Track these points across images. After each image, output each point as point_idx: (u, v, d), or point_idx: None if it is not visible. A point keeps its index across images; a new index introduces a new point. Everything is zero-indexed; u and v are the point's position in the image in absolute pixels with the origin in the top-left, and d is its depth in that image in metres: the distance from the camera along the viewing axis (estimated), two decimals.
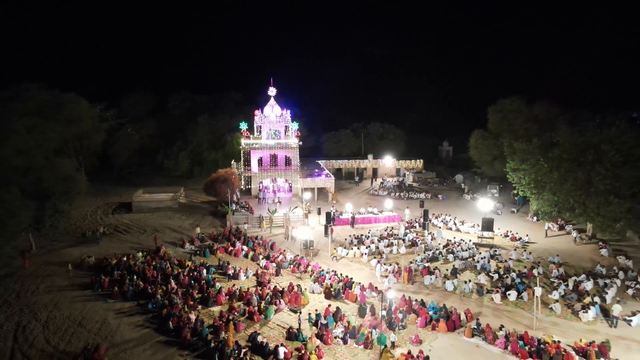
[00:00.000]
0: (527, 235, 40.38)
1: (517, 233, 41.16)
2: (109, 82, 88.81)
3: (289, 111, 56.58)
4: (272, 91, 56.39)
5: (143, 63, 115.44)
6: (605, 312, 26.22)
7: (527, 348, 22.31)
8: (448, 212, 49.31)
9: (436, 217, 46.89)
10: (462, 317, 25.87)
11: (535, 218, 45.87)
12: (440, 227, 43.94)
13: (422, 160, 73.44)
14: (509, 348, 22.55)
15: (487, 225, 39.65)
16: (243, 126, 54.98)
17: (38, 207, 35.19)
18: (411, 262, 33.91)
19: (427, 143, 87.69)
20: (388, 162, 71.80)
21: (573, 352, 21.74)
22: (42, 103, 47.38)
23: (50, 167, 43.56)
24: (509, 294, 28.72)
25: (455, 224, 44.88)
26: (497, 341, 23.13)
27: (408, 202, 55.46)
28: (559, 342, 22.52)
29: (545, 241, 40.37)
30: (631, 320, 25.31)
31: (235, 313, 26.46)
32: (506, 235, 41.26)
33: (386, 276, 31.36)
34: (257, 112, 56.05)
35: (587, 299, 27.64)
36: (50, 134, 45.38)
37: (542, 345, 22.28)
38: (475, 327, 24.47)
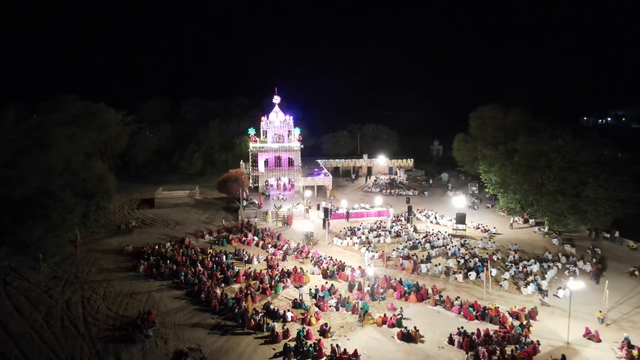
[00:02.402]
0: (494, 228, 47.51)
1: (486, 225, 48.27)
2: (129, 89, 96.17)
3: (291, 117, 63.49)
4: (276, 99, 63.31)
5: (158, 71, 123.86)
6: (540, 288, 33.33)
7: (474, 312, 29.50)
8: (431, 207, 56.35)
9: (420, 212, 53.98)
10: (430, 291, 32.98)
11: (505, 213, 52.84)
12: (424, 220, 51.05)
13: (412, 159, 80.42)
14: (462, 313, 29.74)
15: (460, 218, 46.69)
16: (251, 132, 61.95)
17: (85, 204, 42.20)
18: (394, 250, 41.06)
19: (419, 142, 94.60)
20: (381, 161, 78.80)
21: (507, 315, 28.95)
22: (77, 113, 54.36)
23: (85, 169, 50.79)
24: (469, 274, 35.85)
25: (435, 217, 51.96)
26: (453, 308, 30.32)
27: (397, 198, 62.54)
28: (497, 307, 29.70)
29: (510, 232, 47.46)
30: (558, 294, 32.45)
31: (252, 289, 33.47)
32: (477, 228, 48.35)
33: (368, 265, 38.34)
34: (263, 118, 63.02)
35: (530, 278, 34.76)
36: (85, 140, 52.46)
37: (485, 311, 29.47)
38: (438, 298, 31.64)
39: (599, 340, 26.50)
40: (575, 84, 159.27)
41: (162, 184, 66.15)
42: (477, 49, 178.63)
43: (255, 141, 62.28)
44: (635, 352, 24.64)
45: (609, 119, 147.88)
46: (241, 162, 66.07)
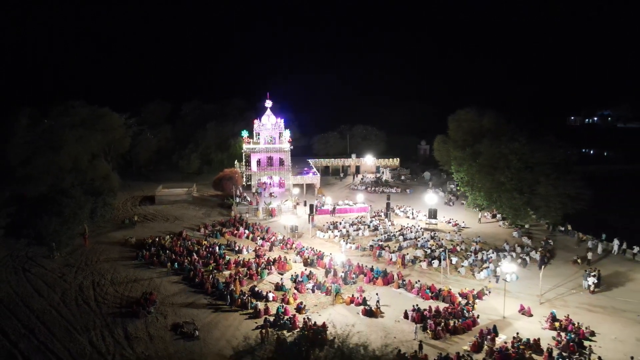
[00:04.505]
0: (463, 222, 52.29)
1: (456, 220, 53.03)
2: (132, 93, 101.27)
3: (282, 120, 68.19)
4: (268, 103, 68.02)
5: (160, 76, 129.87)
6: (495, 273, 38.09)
7: (430, 293, 34.33)
8: (410, 204, 61.04)
9: (399, 208, 58.75)
10: (395, 276, 37.76)
11: (477, 208, 57.50)
12: (401, 215, 55.85)
13: (398, 159, 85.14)
14: (420, 294, 34.59)
15: (432, 214, 51.46)
16: (244, 134, 66.77)
17: (93, 201, 46.96)
18: (370, 242, 45.83)
19: (408, 142, 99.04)
20: (369, 160, 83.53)
21: (457, 295, 33.79)
22: (84, 117, 59.14)
23: (92, 168, 55.68)
24: (433, 262, 40.63)
25: (412, 213, 56.71)
26: (413, 290, 35.16)
27: (381, 195, 67.23)
28: (450, 289, 34.53)
29: (478, 226, 52.24)
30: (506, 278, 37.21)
31: (240, 275, 38.33)
32: (449, 222, 53.12)
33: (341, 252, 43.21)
34: (256, 121, 67.77)
35: (485, 265, 39.58)
36: (92, 142, 57.32)
37: (440, 292, 34.31)
38: (401, 282, 36.48)
39: (531, 315, 31.33)
40: (565, 84, 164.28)
41: (163, 182, 70.86)
42: (472, 51, 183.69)
43: (249, 142, 67.01)
44: (557, 324, 29.48)
45: (595, 118, 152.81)
46: (236, 162, 70.69)
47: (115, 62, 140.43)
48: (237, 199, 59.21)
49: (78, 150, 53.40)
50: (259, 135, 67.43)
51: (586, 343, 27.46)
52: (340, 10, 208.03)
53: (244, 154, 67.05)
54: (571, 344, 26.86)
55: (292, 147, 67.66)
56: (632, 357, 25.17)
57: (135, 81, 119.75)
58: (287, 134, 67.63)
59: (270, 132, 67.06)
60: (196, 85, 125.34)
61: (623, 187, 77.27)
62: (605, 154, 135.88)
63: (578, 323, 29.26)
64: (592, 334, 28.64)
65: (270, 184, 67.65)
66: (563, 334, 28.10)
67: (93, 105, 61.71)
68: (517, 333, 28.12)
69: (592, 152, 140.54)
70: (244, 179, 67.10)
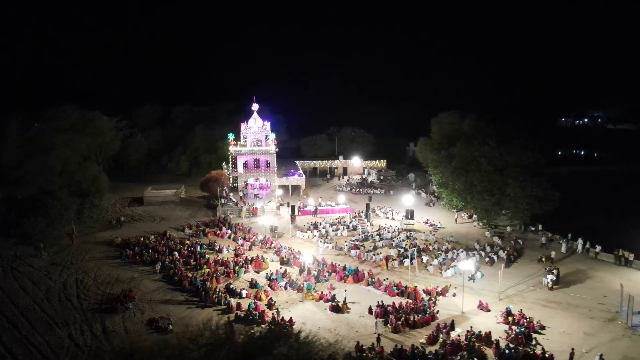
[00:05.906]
0: (439, 222, 54.03)
1: (433, 220, 54.77)
2: (124, 96, 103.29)
3: (269, 123, 69.87)
4: (255, 107, 69.70)
5: (151, 79, 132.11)
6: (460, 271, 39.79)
7: (396, 290, 36.06)
8: (391, 205, 62.77)
9: (380, 209, 60.48)
10: (366, 274, 39.47)
11: (456, 209, 59.22)
12: (381, 216, 57.59)
13: (384, 160, 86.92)
14: (387, 291, 36.32)
15: (410, 214, 53.18)
16: (231, 136, 68.53)
17: (80, 202, 48.74)
18: (345, 242, 47.58)
19: (397, 144, 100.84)
20: (356, 162, 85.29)
21: (421, 291, 35.52)
22: (74, 121, 60.96)
23: (81, 170, 57.46)
24: (404, 261, 42.34)
25: (392, 214, 58.44)
26: (381, 287, 36.90)
27: (365, 196, 68.93)
28: (415, 286, 36.26)
29: (454, 226, 53.96)
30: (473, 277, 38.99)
31: (218, 273, 40.04)
32: (426, 222, 54.85)
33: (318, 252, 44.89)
34: (242, 124, 69.53)
35: (453, 263, 41.32)
36: (81, 145, 59.11)
37: (405, 289, 36.04)
38: (370, 279, 38.21)
39: (489, 310, 33.07)
40: (555, 85, 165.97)
41: (153, 184, 72.62)
42: (465, 52, 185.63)
43: (236, 145, 68.75)
44: (510, 319, 31.22)
45: (585, 119, 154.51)
46: (223, 164, 72.51)
47: (108, 66, 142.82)
48: (223, 200, 60.96)
49: (68, 154, 55.13)
50: (245, 137, 69.14)
51: (534, 335, 29.18)
52: (330, 12, 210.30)
53: (230, 156, 68.77)
54: (520, 336, 28.59)
55: (277, 149, 69.33)
56: (572, 349, 26.87)
57: (127, 85, 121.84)
58: (273, 136, 69.35)
59: (256, 135, 68.71)
60: (187, 88, 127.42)
61: (610, 187, 79.12)
62: (595, 155, 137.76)
63: (529, 317, 31.00)
64: (542, 327, 30.38)
65: (258, 186, 69.26)
66: (514, 327, 29.82)
67: (84, 109, 63.52)
68: (471, 327, 29.87)
69: (582, 153, 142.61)
70: (231, 181, 68.80)
